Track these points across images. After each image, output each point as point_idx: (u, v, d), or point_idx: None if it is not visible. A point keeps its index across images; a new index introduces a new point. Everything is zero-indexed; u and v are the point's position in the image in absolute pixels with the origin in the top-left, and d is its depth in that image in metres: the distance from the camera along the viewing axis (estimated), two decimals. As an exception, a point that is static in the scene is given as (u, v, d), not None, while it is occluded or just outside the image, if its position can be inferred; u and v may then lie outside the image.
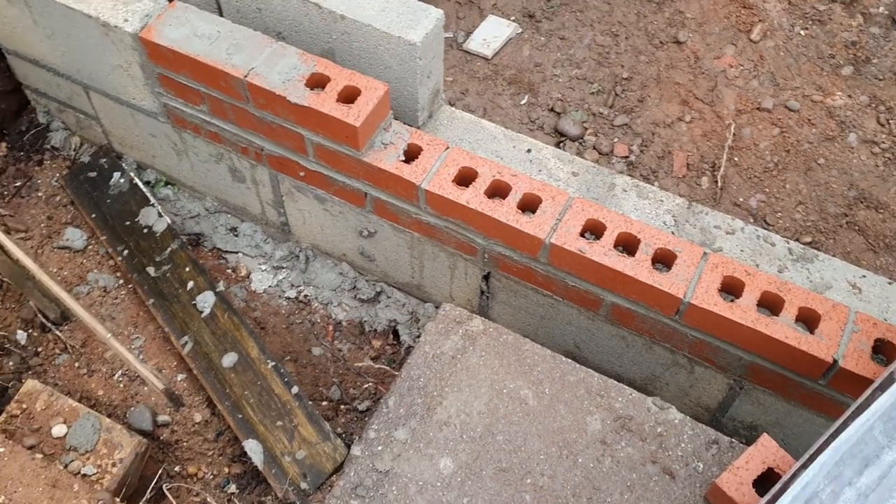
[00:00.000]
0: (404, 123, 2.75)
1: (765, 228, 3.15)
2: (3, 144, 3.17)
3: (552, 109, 3.44)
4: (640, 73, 3.48)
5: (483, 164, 2.41)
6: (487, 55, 3.62)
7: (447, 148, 2.45)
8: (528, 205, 2.37)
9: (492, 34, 3.68)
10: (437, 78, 2.74)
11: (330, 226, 2.82)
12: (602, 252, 2.23)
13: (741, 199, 3.18)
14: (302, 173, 2.64)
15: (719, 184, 3.19)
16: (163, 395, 2.27)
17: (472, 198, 2.34)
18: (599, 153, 3.33)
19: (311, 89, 2.39)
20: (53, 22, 2.66)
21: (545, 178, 2.66)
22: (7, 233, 2.87)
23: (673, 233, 2.51)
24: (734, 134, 3.27)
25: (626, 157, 3.32)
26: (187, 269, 2.74)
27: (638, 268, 2.21)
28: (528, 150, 2.74)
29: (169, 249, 2.79)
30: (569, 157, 2.73)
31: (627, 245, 2.30)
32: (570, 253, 2.25)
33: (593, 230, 2.32)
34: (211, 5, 2.80)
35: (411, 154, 2.45)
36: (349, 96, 2.38)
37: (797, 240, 3.09)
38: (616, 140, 3.35)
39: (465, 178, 2.41)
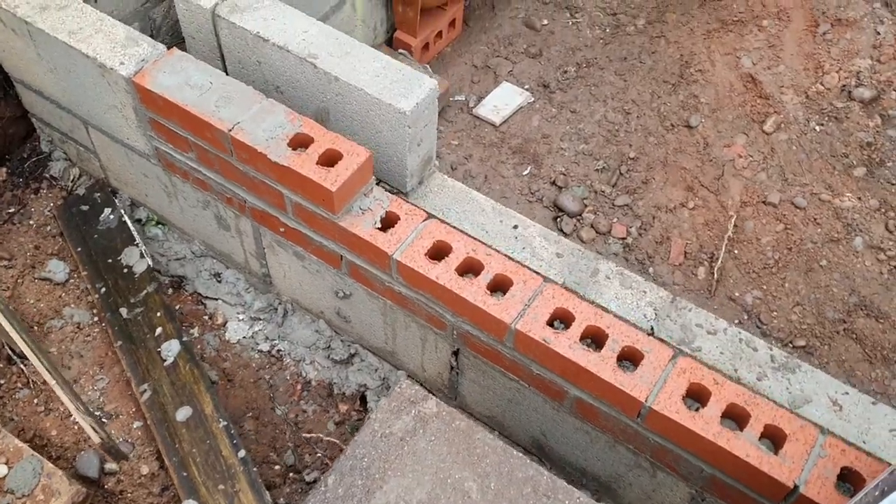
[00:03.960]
0: (393, 187, 2.73)
1: (758, 327, 3.05)
2: (4, 170, 3.21)
3: (554, 182, 3.39)
4: (647, 154, 3.42)
5: (458, 240, 2.36)
6: (496, 122, 3.59)
7: (425, 219, 2.40)
8: (500, 285, 2.31)
9: (503, 101, 3.66)
10: (429, 146, 2.71)
11: (308, 283, 2.78)
12: (567, 344, 2.16)
13: (737, 294, 3.08)
14: (282, 229, 2.61)
15: (716, 276, 3.10)
16: (99, 448, 2.22)
17: (443, 273, 2.29)
18: (597, 232, 3.27)
19: (294, 149, 2.38)
20: (55, 57, 2.69)
21: (528, 256, 2.60)
22: (-10, 259, 2.88)
23: (652, 327, 2.43)
24: (736, 226, 3.19)
25: (624, 238, 3.24)
26: (158, 314, 2.71)
27: (601, 364, 2.13)
28: (515, 227, 2.68)
29: (144, 292, 2.78)
30: (555, 237, 2.67)
31: (597, 338, 2.22)
32: (535, 341, 2.18)
33: (563, 319, 2.25)
34: (215, 55, 2.82)
35: (389, 222, 2.41)
36: (330, 159, 2.36)
37: (790, 342, 2.98)
38: (615, 220, 3.28)
39: (439, 252, 2.36)
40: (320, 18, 3.25)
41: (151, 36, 3.06)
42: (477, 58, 3.87)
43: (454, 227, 2.65)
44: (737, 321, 3.05)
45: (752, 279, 3.09)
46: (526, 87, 3.73)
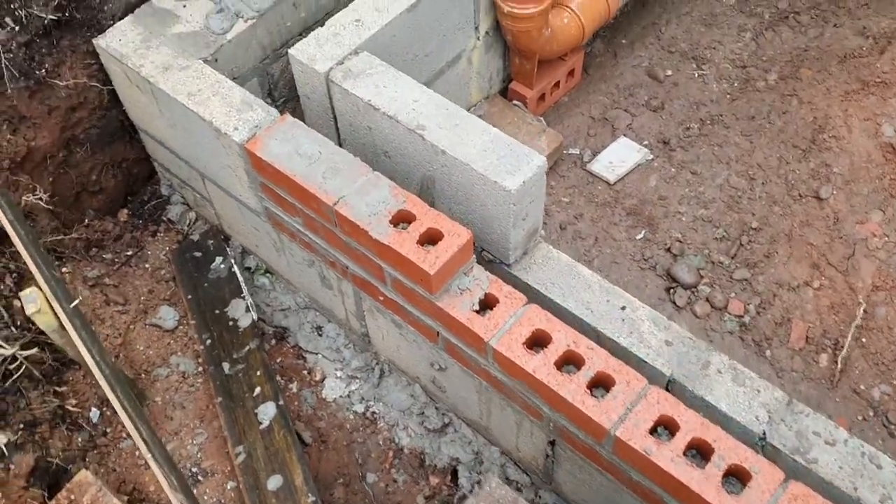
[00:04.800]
0: (496, 257, 2.66)
1: (885, 426, 2.80)
2: (125, 211, 3.33)
3: (669, 249, 3.23)
4: (771, 225, 3.21)
5: (559, 330, 2.26)
6: (610, 180, 3.46)
7: (525, 304, 2.32)
8: (601, 383, 2.20)
9: (619, 158, 3.52)
10: (535, 219, 2.62)
11: (405, 349, 2.75)
12: (669, 457, 2.03)
13: (862, 387, 2.84)
14: (381, 297, 2.59)
15: (839, 365, 2.87)
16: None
17: (540, 367, 2.20)
18: (712, 306, 3.09)
19: (396, 225, 2.34)
20: (175, 116, 2.76)
21: (635, 342, 2.48)
22: (106, 304, 2.99)
23: (765, 431, 2.27)
24: (866, 311, 2.94)
25: (741, 316, 3.05)
26: (258, 372, 2.74)
27: (705, 483, 1.98)
28: (623, 308, 2.57)
29: (247, 348, 2.82)
30: (665, 322, 2.53)
31: (702, 450, 2.08)
32: (635, 450, 2.06)
33: (667, 426, 2.12)
34: (328, 115, 2.83)
35: (487, 303, 2.34)
36: (431, 238, 2.31)
37: (923, 447, 2.72)
38: (733, 295, 3.10)
39: (538, 340, 2.27)
40: (437, 73, 3.22)
41: (269, 90, 3.10)
42: (595, 109, 3.74)
43: (557, 307, 2.57)
44: (861, 417, 2.82)
45: (880, 372, 2.85)
46: (645, 142, 3.58)
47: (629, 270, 3.19)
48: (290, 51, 2.72)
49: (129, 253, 3.21)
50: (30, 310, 2.20)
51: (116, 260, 3.17)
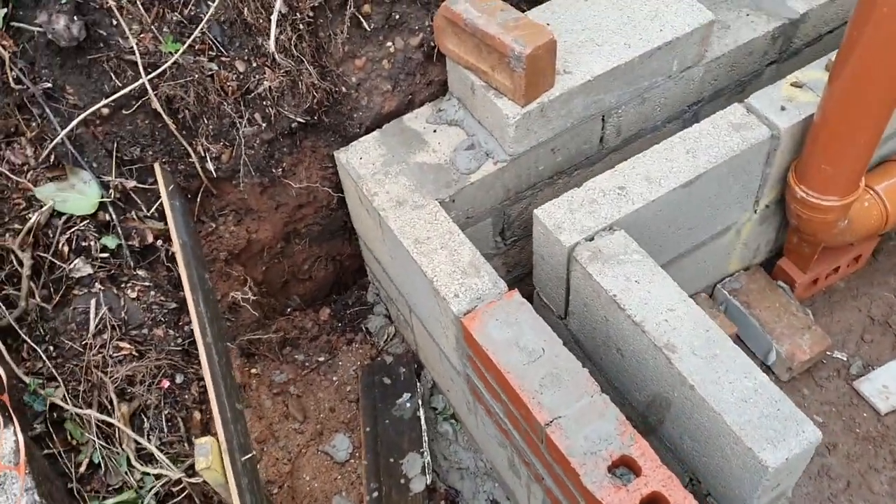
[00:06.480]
0: (726, 512, 2.19)
1: None
2: (328, 311, 3.15)
3: (941, 525, 2.57)
4: None
5: None
6: (881, 410, 2.82)
7: None
8: None
9: (896, 383, 2.88)
10: (787, 486, 2.11)
11: (588, 583, 2.33)
12: None
13: None
14: (576, 528, 2.18)
15: None
16: None
17: None
18: None
19: (615, 469, 1.93)
20: (396, 252, 2.51)
21: None
22: (285, 417, 2.81)
23: None
24: None
25: None
26: (419, 559, 2.43)
27: None
28: None
29: (413, 520, 2.52)
30: None
31: None
32: None
33: None
34: (560, 283, 2.46)
35: None
36: (654, 502, 1.88)
37: None
38: None
39: None
40: (698, 245, 2.76)
41: (502, 230, 2.78)
42: (876, 307, 3.11)
43: None
44: None
45: None
46: (933, 369, 2.91)
47: (885, 539, 2.57)
48: (535, 211, 2.37)
49: (321, 359, 3.02)
50: (200, 465, 2.01)
51: (307, 364, 2.99)
